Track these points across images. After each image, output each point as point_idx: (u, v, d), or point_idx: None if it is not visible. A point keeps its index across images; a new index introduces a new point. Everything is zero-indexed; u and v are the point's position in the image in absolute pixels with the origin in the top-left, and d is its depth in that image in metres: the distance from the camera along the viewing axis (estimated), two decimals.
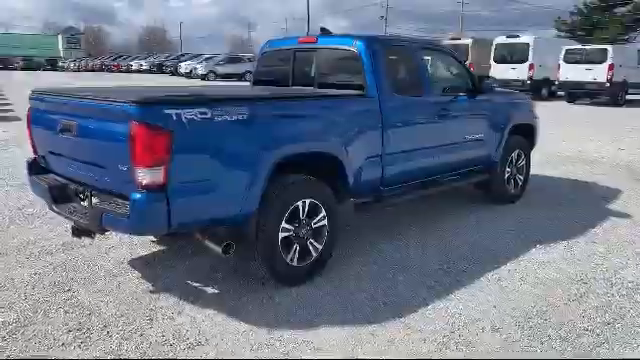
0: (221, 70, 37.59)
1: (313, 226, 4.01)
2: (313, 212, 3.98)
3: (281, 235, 3.78)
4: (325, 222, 4.07)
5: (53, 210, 3.89)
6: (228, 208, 3.50)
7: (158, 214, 3.19)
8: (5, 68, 59.19)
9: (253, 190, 3.54)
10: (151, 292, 3.88)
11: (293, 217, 3.85)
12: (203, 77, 36.61)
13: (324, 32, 5.08)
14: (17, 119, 13.83)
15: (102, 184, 3.51)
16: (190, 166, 3.27)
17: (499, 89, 6.24)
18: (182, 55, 48.23)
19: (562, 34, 45.80)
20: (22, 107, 16.10)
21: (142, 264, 4.38)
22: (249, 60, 41.26)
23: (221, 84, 28.39)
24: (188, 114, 3.23)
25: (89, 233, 3.74)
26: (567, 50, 21.04)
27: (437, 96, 5.08)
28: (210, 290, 3.94)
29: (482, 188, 6.09)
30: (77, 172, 3.70)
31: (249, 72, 38.55)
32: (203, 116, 3.30)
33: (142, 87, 4.79)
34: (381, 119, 4.44)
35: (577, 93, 21.18)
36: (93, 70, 54.10)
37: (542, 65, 21.61)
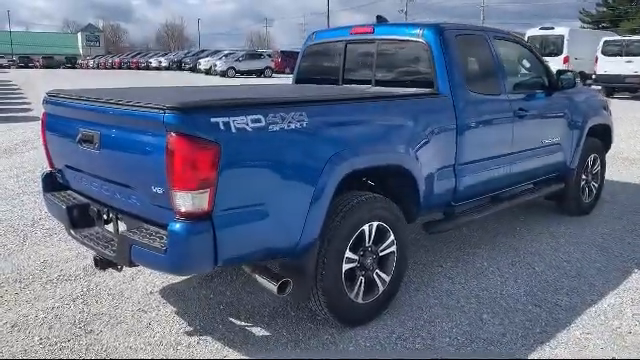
0: (241, 66, 37.04)
1: (380, 254, 3.33)
2: (380, 237, 3.30)
3: (345, 267, 3.11)
4: (394, 248, 3.38)
5: (72, 235, 3.27)
6: (286, 237, 2.83)
7: (202, 249, 2.53)
8: (26, 67, 59.57)
9: (315, 214, 2.87)
10: (187, 334, 3.24)
11: (358, 244, 3.17)
12: (223, 74, 36.07)
13: (380, 21, 4.38)
14: (36, 119, 13.38)
15: (130, 208, 2.87)
16: (241, 188, 2.61)
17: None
18: (201, 52, 47.76)
19: (586, 26, 44.51)
20: (40, 107, 15.73)
21: (175, 296, 3.73)
22: (268, 56, 40.78)
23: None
24: (238, 123, 2.57)
25: (115, 265, 3.10)
26: (605, 42, 19.95)
27: (514, 94, 4.35)
28: (258, 332, 3.28)
29: (554, 199, 5.33)
30: (100, 191, 3.07)
31: (269, 68, 38.13)
32: (256, 125, 2.63)
33: (173, 88, 4.13)
34: (455, 122, 3.73)
35: (616, 87, 20.09)
36: (112, 68, 54.03)
37: (578, 58, 20.57)
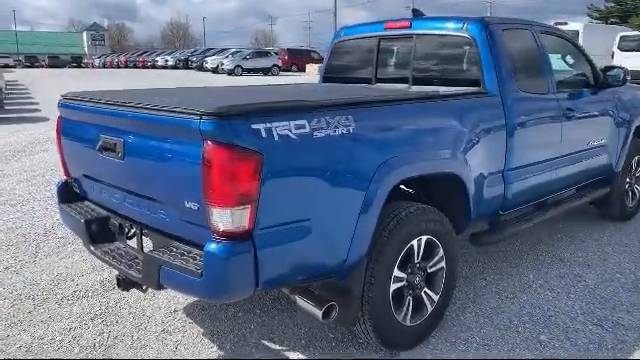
0: (248, 65, 36.76)
1: (428, 270, 3.03)
2: (429, 252, 3.00)
3: (393, 287, 2.81)
4: (443, 264, 3.08)
5: (91, 252, 2.98)
6: (332, 255, 2.53)
7: (242, 272, 2.23)
8: (32, 66, 59.52)
9: (363, 229, 2.57)
10: None
11: (406, 261, 2.87)
12: (230, 72, 35.81)
13: (417, 14, 4.06)
14: (44, 119, 13.14)
15: (158, 223, 2.58)
16: (284, 202, 2.31)
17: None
18: (207, 50, 47.52)
19: (594, 21, 43.99)
20: (48, 107, 15.56)
21: (200, 314, 3.44)
22: (275, 54, 40.48)
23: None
24: (281, 129, 2.27)
25: (140, 285, 2.81)
26: (622, 37, 19.52)
27: (560, 92, 4.03)
28: (295, 357, 2.98)
29: (595, 203, 5.00)
30: (122, 204, 2.78)
31: (276, 66, 37.85)
32: (300, 131, 2.33)
33: (198, 89, 3.83)
34: (505, 124, 3.42)
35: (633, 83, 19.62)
36: (118, 67, 53.87)
37: (593, 53, 20.11)
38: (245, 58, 37.34)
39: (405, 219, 2.79)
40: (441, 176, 3.01)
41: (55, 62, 62.21)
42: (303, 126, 2.35)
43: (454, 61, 3.72)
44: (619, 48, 19.36)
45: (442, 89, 3.51)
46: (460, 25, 3.57)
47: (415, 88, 3.75)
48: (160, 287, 2.51)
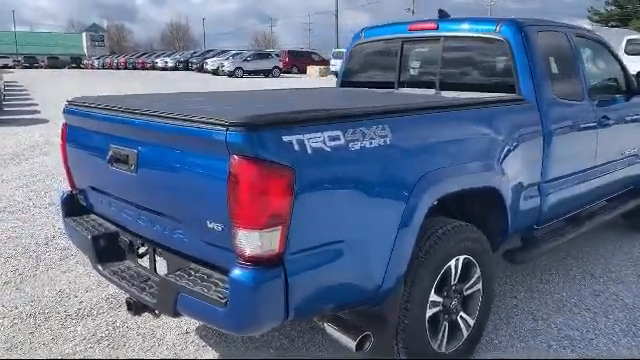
0: (249, 66, 36.54)
1: (465, 293, 2.79)
2: (466, 273, 2.76)
3: (429, 312, 2.57)
4: (479, 286, 2.84)
5: (99, 271, 2.74)
6: (367, 280, 2.30)
7: (271, 302, 2.00)
8: (31, 67, 59.25)
9: (401, 250, 2.34)
10: None
11: (442, 284, 2.64)
12: (231, 74, 35.58)
13: (443, 15, 3.83)
14: (44, 121, 12.89)
15: (175, 244, 2.34)
16: (317, 223, 2.08)
17: None
18: (208, 52, 47.31)
19: (594, 25, 43.86)
20: (48, 108, 15.31)
21: (214, 336, 3.20)
22: (277, 56, 40.29)
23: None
24: (314, 141, 2.04)
25: (153, 309, 2.56)
26: (629, 40, 19.33)
27: (595, 99, 3.80)
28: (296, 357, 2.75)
29: (625, 214, 4.76)
30: (134, 221, 2.54)
31: (277, 68, 37.63)
32: (334, 143, 2.09)
33: (212, 94, 3.59)
34: (542, 133, 3.19)
35: None
36: (118, 68, 53.61)
37: None
38: (246, 60, 37.12)
39: (443, 238, 2.56)
40: (480, 190, 2.77)
41: (54, 63, 61.92)
42: (337, 137, 2.11)
43: (485, 65, 3.49)
44: (626, 52, 19.15)
45: (472, 95, 3.29)
46: (493, 26, 3.35)
47: (445, 94, 3.51)
48: (177, 315, 2.28)
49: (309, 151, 2.01)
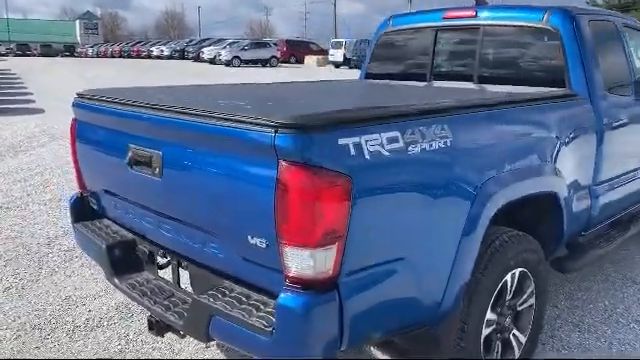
0: (246, 56, 36.02)
1: (517, 309, 2.54)
2: (520, 287, 2.51)
3: (484, 332, 2.32)
4: (533, 300, 2.59)
5: (115, 285, 2.46)
6: (427, 301, 2.04)
7: (324, 331, 1.73)
8: (24, 55, 58.41)
9: (463, 264, 2.08)
10: None
11: (497, 300, 2.38)
12: (228, 63, 35.09)
13: (480, 2, 3.54)
14: (39, 111, 12.52)
15: (206, 258, 2.06)
16: (376, 238, 1.81)
17: None
18: (204, 40, 46.66)
19: None
20: (43, 98, 14.90)
21: (236, 351, 2.93)
22: (275, 45, 39.78)
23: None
24: (372, 144, 1.76)
25: (177, 330, 2.29)
26: None
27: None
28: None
29: None
30: (157, 230, 2.26)
31: (274, 57, 37.16)
32: (393, 146, 1.82)
33: (233, 86, 3.30)
34: (595, 131, 2.93)
35: None
36: (112, 56, 52.88)
37: None
38: (243, 49, 36.59)
39: (500, 250, 2.30)
40: (541, 195, 2.51)
41: (47, 51, 60.97)
42: (396, 139, 1.84)
43: (531, 57, 3.22)
44: None
45: (519, 90, 3.02)
46: (540, 15, 3.07)
47: (490, 88, 3.23)
48: (209, 339, 2.01)
49: (367, 156, 1.74)
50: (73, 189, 6.12)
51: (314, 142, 1.64)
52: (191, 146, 1.93)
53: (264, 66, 36.08)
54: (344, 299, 1.72)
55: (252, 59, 36.01)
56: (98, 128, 2.47)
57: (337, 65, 37.78)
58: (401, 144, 1.85)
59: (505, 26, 3.27)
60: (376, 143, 1.77)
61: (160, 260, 2.43)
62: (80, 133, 2.63)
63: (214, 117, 1.81)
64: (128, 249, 2.47)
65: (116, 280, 2.43)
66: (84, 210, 2.76)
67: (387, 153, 1.80)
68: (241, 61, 35.56)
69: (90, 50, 58.01)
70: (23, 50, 61.51)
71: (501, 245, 2.31)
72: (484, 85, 3.28)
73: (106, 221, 2.73)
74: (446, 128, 2.02)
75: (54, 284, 3.73)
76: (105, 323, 3.22)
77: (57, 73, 26.14)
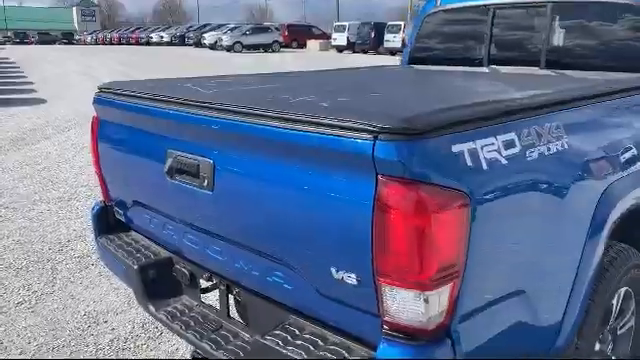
0: (248, 41, 35.45)
1: (618, 332, 2.18)
2: (622, 309, 2.15)
3: None
4: (633, 322, 2.23)
5: (150, 313, 2.10)
6: (543, 338, 1.68)
7: None
8: (21, 43, 57.67)
9: (580, 291, 1.72)
10: None
11: (602, 325, 2.02)
12: (229, 48, 34.52)
13: None
14: (42, 101, 12.11)
15: (271, 290, 1.69)
16: (496, 270, 1.44)
17: None
18: (204, 26, 45.95)
19: None
20: (45, 87, 14.47)
21: None
22: (276, 29, 39.16)
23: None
24: (488, 150, 1.39)
25: None
26: None
27: None
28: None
29: None
30: (203, 252, 1.89)
31: (276, 42, 36.57)
32: (510, 152, 1.44)
33: (277, 75, 2.91)
34: None
35: None
36: (111, 43, 52.18)
37: None
38: (245, 34, 35.99)
39: (609, 269, 1.93)
40: None
41: (45, 39, 60.23)
42: (512, 144, 1.46)
43: (613, 38, 2.81)
44: None
45: (598, 75, 2.62)
46: None
47: (574, 73, 2.81)
48: None
49: (484, 166, 1.36)
50: (82, 186, 5.82)
51: (425, 151, 1.27)
52: (253, 155, 1.55)
53: (266, 51, 35.52)
54: (458, 351, 1.35)
55: (254, 44, 35.44)
56: (127, 129, 2.09)
57: (340, 49, 37.21)
58: (518, 149, 1.47)
59: (581, 2, 2.86)
60: (492, 149, 1.40)
61: (203, 283, 2.07)
62: (103, 134, 2.24)
63: (288, 119, 1.43)
64: (164, 270, 2.11)
65: (151, 307, 2.07)
66: (108, 222, 2.39)
67: (504, 161, 1.42)
68: (243, 46, 35.00)
69: (89, 37, 57.24)
70: (21, 38, 60.76)
71: (610, 262, 1.94)
72: (559, 70, 2.87)
73: (134, 234, 2.36)
74: (560, 127, 1.64)
75: (71, 297, 3.38)
76: (131, 345, 2.87)
77: (58, 62, 25.63)
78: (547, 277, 1.60)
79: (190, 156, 1.74)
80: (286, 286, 1.60)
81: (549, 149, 1.57)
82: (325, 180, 1.37)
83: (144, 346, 2.85)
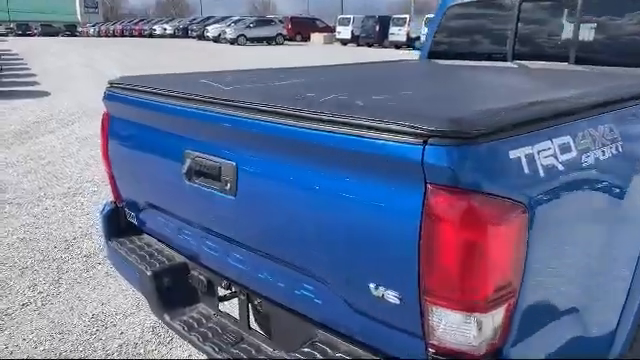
0: (252, 33, 35.26)
1: None
2: None
3: None
4: None
5: (166, 322, 1.98)
6: (595, 351, 1.55)
7: None
8: (24, 34, 57.46)
9: (632, 304, 1.60)
10: None
11: None
12: (233, 41, 34.31)
13: None
14: (45, 94, 11.98)
15: (299, 304, 1.57)
16: (551, 288, 1.32)
17: None
18: (208, 18, 45.69)
19: None
20: (48, 80, 14.31)
21: None
22: (280, 22, 38.92)
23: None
24: (545, 156, 1.25)
25: None
26: None
27: None
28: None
29: None
30: (223, 260, 1.76)
31: (280, 35, 36.36)
32: (566, 156, 1.31)
33: (306, 70, 2.78)
34: None
35: None
36: (114, 35, 51.95)
37: None
38: (248, 27, 35.77)
39: None
40: None
41: (48, 31, 59.88)
42: (568, 148, 1.33)
43: None
44: None
45: (629, 71, 2.48)
46: None
47: (610, 70, 2.66)
48: None
49: (541, 173, 1.23)
50: (88, 181, 5.70)
51: (480, 157, 1.14)
52: (281, 158, 1.42)
53: (269, 44, 35.31)
54: None
55: (258, 37, 35.24)
56: (140, 127, 1.96)
57: (344, 43, 36.98)
58: (574, 153, 1.34)
59: None
60: (549, 154, 1.27)
61: (220, 291, 1.95)
62: (115, 132, 2.12)
63: (322, 120, 1.29)
64: (179, 276, 1.99)
65: (167, 316, 1.95)
66: (119, 224, 2.27)
67: (561, 167, 1.29)
68: (247, 39, 34.79)
69: (91, 30, 56.98)
70: (23, 30, 60.44)
71: None
72: (591, 66, 2.73)
73: (146, 237, 2.24)
74: (613, 129, 1.51)
75: (77, 298, 3.27)
76: (142, 350, 2.76)
77: (61, 54, 25.48)
78: (603, 290, 1.47)
79: (211, 158, 1.61)
80: (316, 300, 1.48)
81: (604, 153, 1.44)
82: (365, 187, 1.25)
83: (155, 352, 2.74)
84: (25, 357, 2.69)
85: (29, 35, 57.21)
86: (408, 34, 32.05)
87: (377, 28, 33.91)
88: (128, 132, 2.05)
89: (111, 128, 2.13)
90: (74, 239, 4.16)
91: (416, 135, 1.13)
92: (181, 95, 1.74)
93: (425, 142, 1.12)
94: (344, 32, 36.74)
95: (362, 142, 1.22)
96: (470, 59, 3.24)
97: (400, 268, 1.21)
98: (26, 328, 2.94)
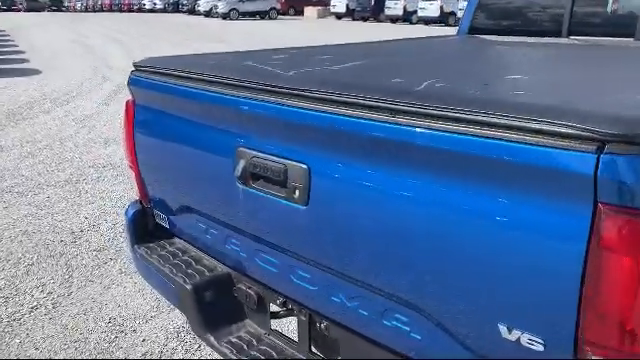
0: (244, 8, 34.44)
1: None
2: None
3: None
4: None
5: (210, 343, 1.72)
6: None
7: None
8: (9, 10, 55.87)
9: None
10: None
11: None
12: (225, 16, 33.53)
13: None
14: (36, 72, 11.51)
15: (382, 335, 1.30)
16: None
17: None
18: None
19: None
20: (38, 57, 13.76)
21: None
22: None
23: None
24: None
25: None
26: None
27: None
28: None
29: None
30: (284, 275, 1.49)
31: (274, 9, 35.60)
32: None
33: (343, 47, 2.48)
34: None
35: None
36: (102, 10, 50.66)
37: None
38: (241, 1, 34.91)
39: None
40: None
41: (33, 6, 58.18)
42: None
43: None
44: None
45: None
46: None
47: None
48: None
49: None
50: (89, 167, 5.37)
51: None
52: (374, 162, 1.13)
53: (262, 18, 34.56)
54: None
55: (250, 11, 34.46)
56: (176, 119, 1.66)
57: (339, 16, 36.27)
58: None
59: None
60: None
61: (277, 307, 1.68)
62: (142, 122, 1.82)
63: (440, 117, 1.01)
64: (223, 289, 1.72)
65: (211, 338, 1.69)
66: (147, 227, 1.99)
67: None
68: (239, 14, 34.00)
69: (78, 4, 55.49)
70: (8, 5, 58.73)
71: None
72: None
73: (178, 242, 1.97)
74: None
75: (91, 299, 3.00)
76: (167, 357, 2.51)
77: (49, 29, 24.72)
78: None
79: (274, 158, 1.32)
80: (413, 335, 1.22)
81: None
82: (501, 204, 0.97)
83: None
84: None
85: (14, 10, 55.62)
86: (405, 8, 31.45)
87: (373, 1, 33.23)
88: (160, 124, 1.75)
89: (137, 118, 1.83)
90: (81, 231, 3.88)
91: (588, 140, 0.85)
92: (230, 82, 1.44)
93: (600, 149, 0.84)
94: (339, 5, 35.98)
95: (499, 146, 0.94)
96: (518, 35, 2.94)
97: (549, 308, 0.95)
98: (37, 335, 2.68)
